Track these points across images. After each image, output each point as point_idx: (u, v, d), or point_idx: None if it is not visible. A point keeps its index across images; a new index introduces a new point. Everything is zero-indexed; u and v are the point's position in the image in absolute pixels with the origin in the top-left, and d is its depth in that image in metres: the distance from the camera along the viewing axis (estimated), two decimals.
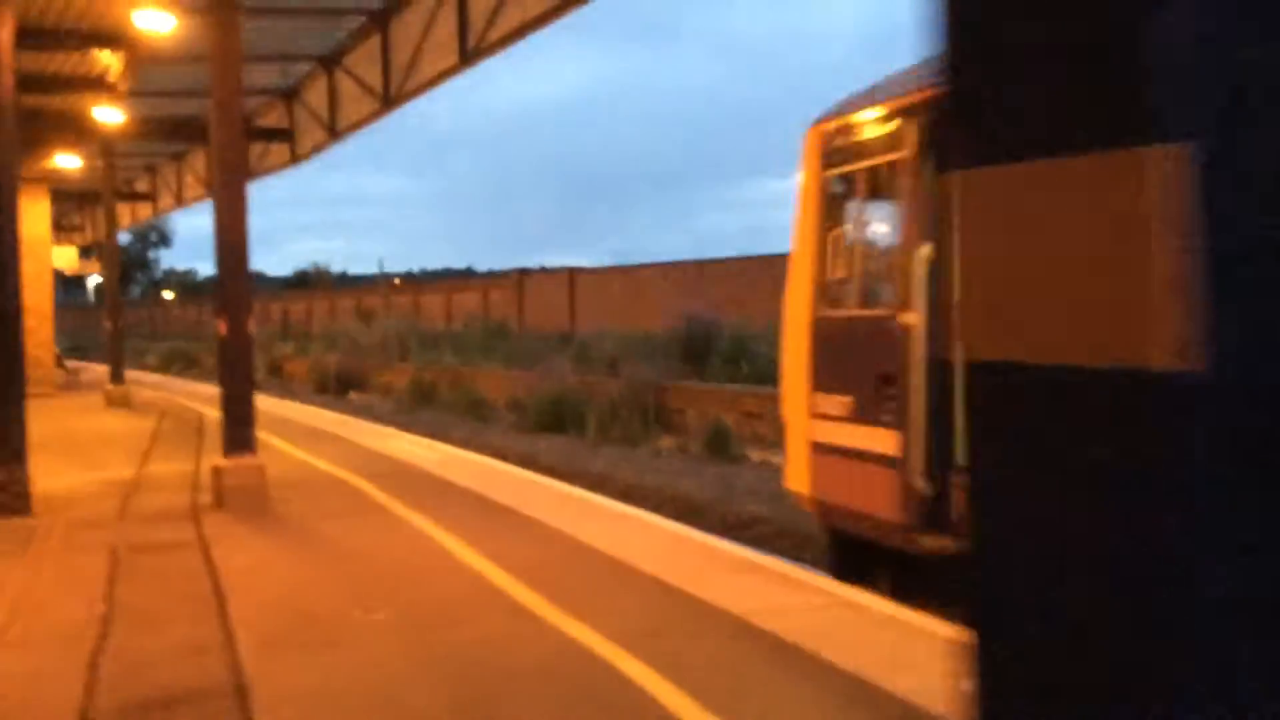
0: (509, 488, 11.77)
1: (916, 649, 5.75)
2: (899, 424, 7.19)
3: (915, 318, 7.05)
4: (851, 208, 8.47)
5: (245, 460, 11.01)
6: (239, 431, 11.02)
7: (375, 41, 19.19)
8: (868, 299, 8.17)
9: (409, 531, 9.57)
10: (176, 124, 24.41)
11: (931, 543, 6.87)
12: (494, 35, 15.10)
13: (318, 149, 23.70)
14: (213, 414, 21.84)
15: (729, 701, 5.08)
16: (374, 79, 19.36)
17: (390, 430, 18.82)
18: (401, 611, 6.98)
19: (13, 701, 5.52)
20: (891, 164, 7.76)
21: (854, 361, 8.03)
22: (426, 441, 16.82)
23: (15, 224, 10.23)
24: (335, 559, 8.56)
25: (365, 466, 13.59)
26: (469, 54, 15.69)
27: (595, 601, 6.94)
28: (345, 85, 21.02)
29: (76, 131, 21.96)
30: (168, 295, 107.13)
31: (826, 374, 8.35)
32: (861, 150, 8.19)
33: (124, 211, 39.55)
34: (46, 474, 11.96)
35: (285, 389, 36.20)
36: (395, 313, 59.81)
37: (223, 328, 10.89)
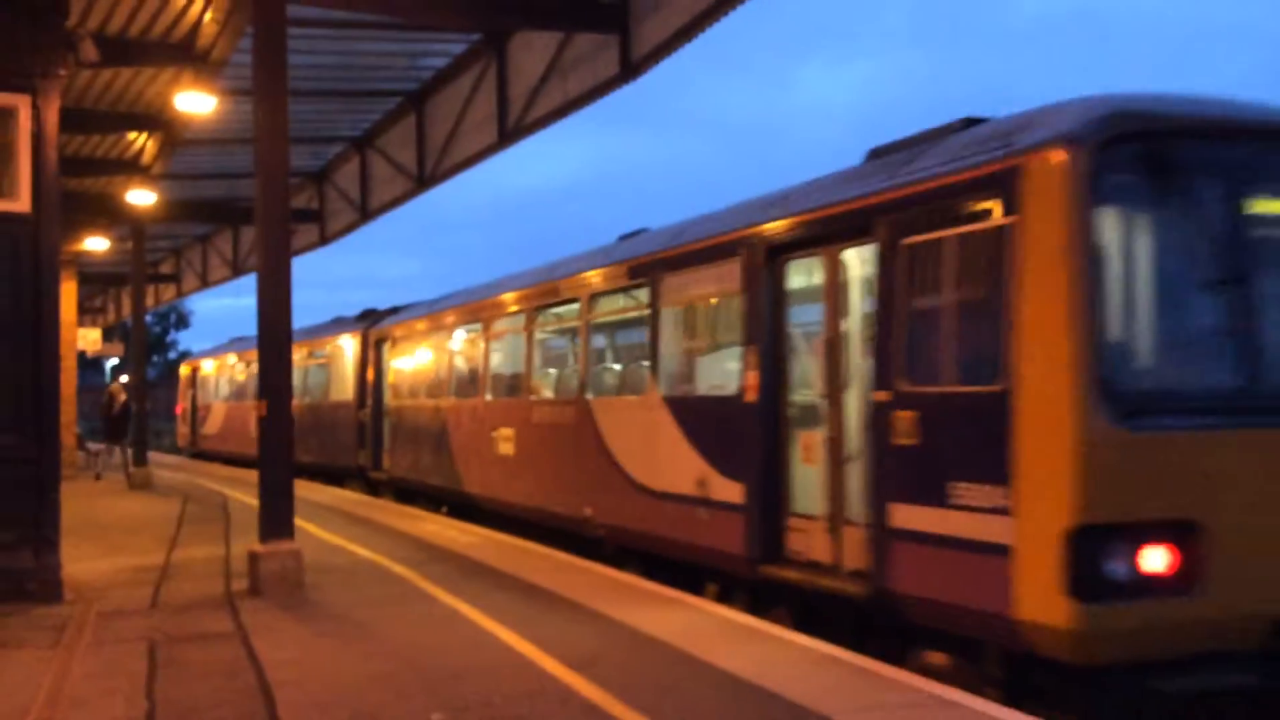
0: (546, 571, 11.48)
1: None
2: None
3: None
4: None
5: (283, 545, 10.71)
6: (277, 516, 10.73)
7: (410, 121, 19.20)
8: None
9: (452, 618, 9.26)
10: (208, 206, 24.49)
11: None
12: (535, 114, 15.10)
13: (348, 229, 23.71)
14: (236, 496, 21.63)
15: None
16: (408, 159, 19.35)
17: (416, 511, 18.49)
18: (459, 710, 6.65)
19: None
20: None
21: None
22: (457, 524, 16.50)
23: (57, 307, 10.05)
24: (382, 651, 8.23)
25: (396, 550, 13.28)
26: (509, 132, 15.67)
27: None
28: (378, 165, 21.05)
29: (108, 214, 22.01)
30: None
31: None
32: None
33: (148, 293, 39.79)
34: (74, 559, 11.66)
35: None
36: None
37: (262, 410, 10.65)
